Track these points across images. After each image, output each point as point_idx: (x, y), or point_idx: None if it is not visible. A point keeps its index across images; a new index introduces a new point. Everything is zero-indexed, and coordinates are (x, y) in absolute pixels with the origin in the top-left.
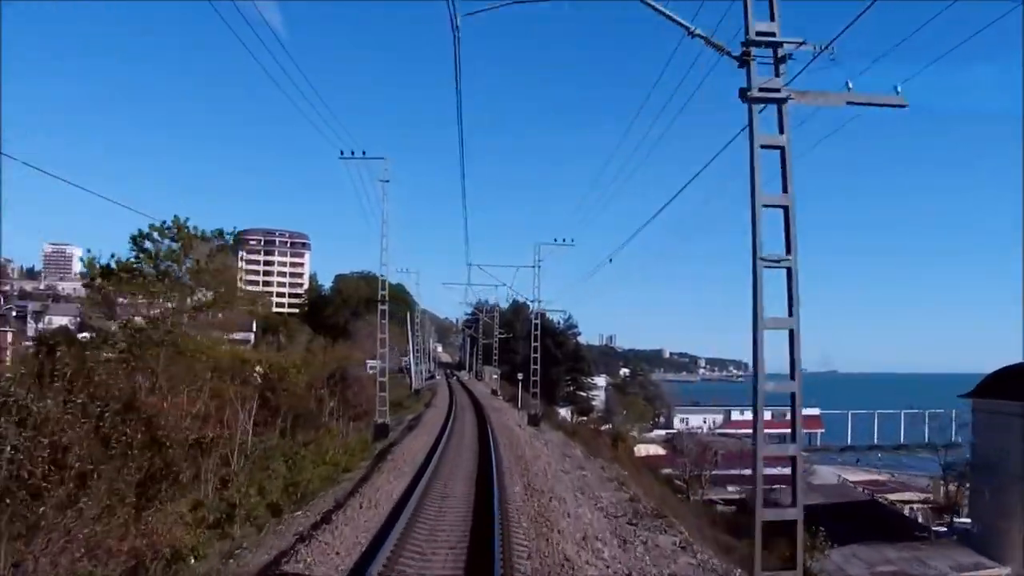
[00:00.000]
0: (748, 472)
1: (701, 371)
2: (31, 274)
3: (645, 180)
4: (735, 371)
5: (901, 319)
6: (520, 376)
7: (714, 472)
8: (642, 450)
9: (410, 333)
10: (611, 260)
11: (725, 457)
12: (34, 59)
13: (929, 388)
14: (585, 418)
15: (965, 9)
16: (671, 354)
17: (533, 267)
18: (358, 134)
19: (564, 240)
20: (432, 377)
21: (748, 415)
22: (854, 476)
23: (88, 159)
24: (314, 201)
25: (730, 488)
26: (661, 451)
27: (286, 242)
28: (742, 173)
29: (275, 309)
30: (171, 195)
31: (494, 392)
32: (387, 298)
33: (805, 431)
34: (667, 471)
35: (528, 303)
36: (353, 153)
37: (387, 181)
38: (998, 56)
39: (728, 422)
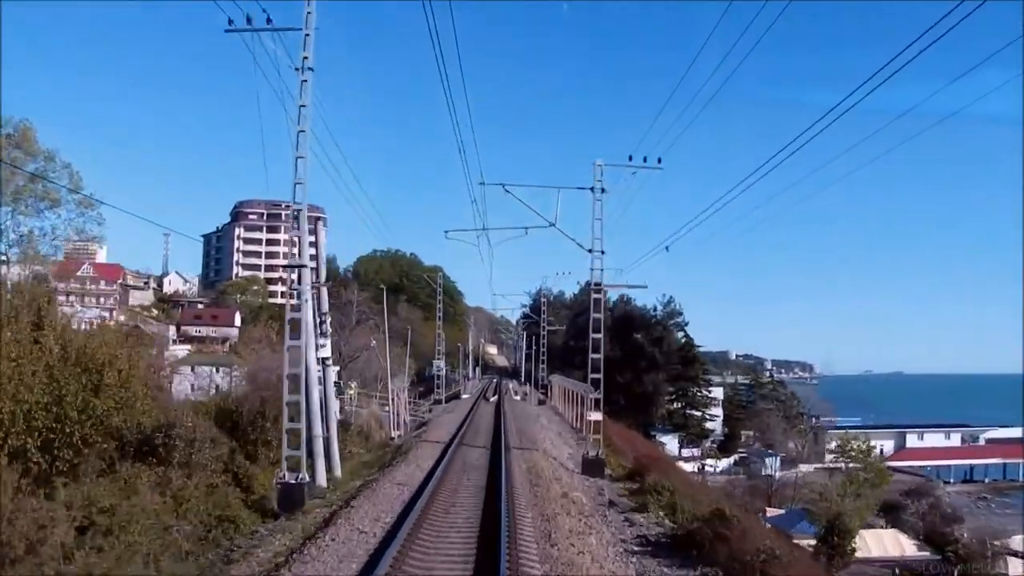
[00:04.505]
0: None
1: (768, 373)
2: None
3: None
4: (801, 372)
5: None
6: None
7: None
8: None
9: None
10: (667, 248)
11: None
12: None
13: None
14: (698, 457)
15: None
16: (737, 355)
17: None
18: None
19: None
20: (455, 397)
21: (929, 439)
22: None
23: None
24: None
25: None
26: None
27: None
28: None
29: (278, 299)
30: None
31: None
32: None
33: (1001, 461)
34: None
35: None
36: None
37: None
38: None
39: (901, 450)
